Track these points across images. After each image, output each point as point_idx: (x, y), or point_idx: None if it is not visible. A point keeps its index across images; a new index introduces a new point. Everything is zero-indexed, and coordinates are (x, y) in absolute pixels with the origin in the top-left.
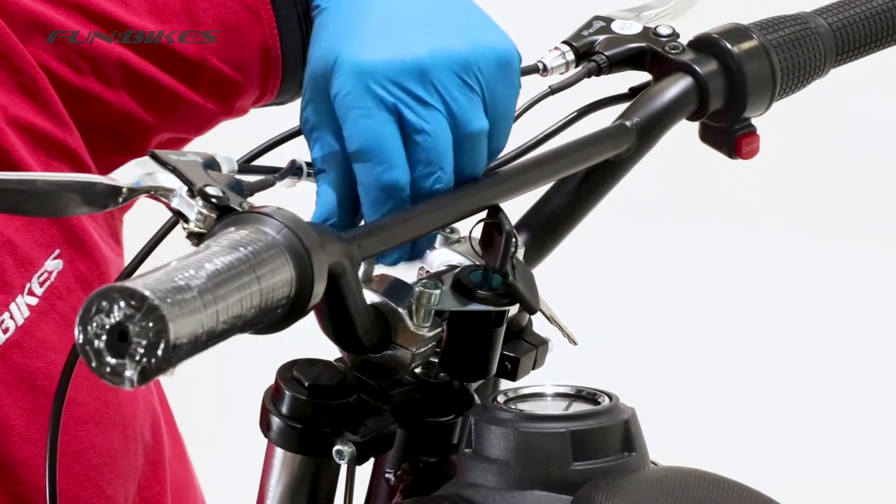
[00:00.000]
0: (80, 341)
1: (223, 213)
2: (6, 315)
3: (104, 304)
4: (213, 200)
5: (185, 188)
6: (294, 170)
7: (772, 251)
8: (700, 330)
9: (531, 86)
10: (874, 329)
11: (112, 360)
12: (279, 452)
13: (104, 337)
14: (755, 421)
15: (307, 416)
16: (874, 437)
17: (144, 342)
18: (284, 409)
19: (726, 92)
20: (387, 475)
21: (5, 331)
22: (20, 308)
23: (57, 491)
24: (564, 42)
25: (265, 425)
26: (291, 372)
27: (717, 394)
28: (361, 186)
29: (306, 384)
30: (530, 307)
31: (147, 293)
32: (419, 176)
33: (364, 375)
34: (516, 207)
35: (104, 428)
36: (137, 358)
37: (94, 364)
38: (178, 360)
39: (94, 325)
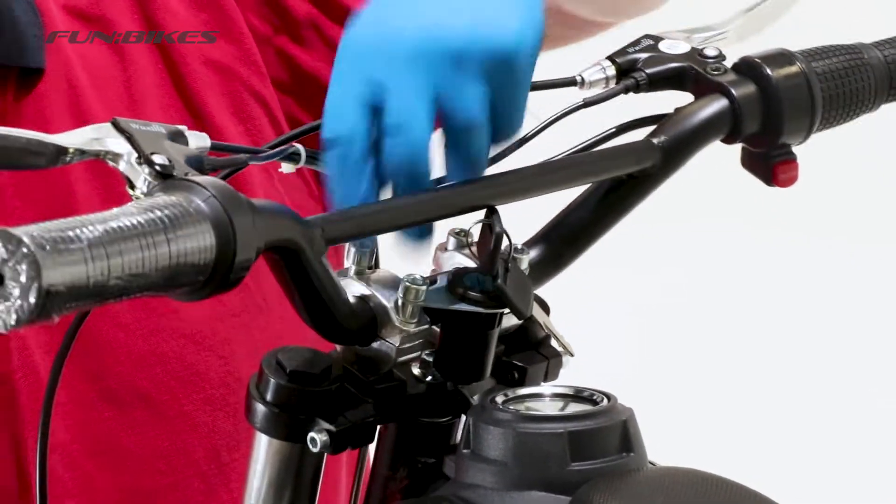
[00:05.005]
0: None
1: (165, 181)
2: None
3: None
4: (157, 168)
5: (135, 154)
6: (290, 154)
7: (764, 251)
8: (699, 329)
9: (569, 97)
10: (861, 325)
11: None
12: (262, 438)
13: None
14: (753, 420)
15: (285, 402)
16: (869, 436)
17: (17, 286)
18: (266, 395)
19: (762, 116)
20: (385, 475)
21: None
22: None
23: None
24: (608, 57)
25: (249, 410)
26: (276, 358)
27: (716, 394)
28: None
29: (288, 370)
30: (519, 312)
31: (24, 238)
32: (388, 143)
33: (353, 368)
34: (511, 213)
35: None
36: (11, 301)
37: None
38: (57, 309)
39: None
